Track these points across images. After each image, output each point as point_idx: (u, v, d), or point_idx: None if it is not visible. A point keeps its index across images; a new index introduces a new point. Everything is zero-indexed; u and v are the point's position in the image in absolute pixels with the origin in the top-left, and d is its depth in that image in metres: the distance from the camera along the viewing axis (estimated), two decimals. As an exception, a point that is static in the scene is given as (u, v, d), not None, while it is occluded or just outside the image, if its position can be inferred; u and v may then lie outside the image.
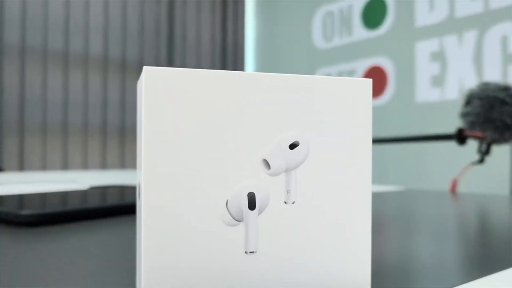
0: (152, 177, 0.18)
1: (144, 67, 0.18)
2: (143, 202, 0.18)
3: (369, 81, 0.21)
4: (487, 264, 0.28)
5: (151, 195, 0.18)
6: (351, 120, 0.20)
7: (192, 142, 0.18)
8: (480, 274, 0.25)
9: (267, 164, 0.19)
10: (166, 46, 2.70)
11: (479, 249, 0.32)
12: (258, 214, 0.19)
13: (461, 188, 1.80)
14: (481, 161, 0.90)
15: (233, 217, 0.19)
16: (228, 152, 0.19)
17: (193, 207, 0.18)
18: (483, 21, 1.92)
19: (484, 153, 0.89)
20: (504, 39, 1.86)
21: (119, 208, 0.48)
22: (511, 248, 0.32)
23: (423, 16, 2.12)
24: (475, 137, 0.89)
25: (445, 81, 2.04)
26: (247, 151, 0.19)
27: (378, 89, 2.30)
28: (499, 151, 1.63)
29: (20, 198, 0.52)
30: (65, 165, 2.38)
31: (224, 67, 2.92)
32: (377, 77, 2.30)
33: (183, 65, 2.73)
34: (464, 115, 0.89)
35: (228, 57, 2.95)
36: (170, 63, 2.69)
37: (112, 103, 2.51)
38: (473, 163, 0.92)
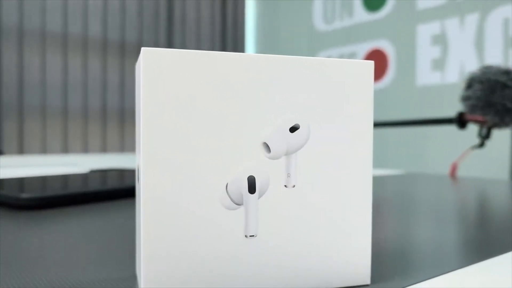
0: (151, 161, 0.18)
1: (142, 48, 0.17)
2: (142, 185, 0.18)
3: (371, 63, 0.20)
4: (486, 248, 0.28)
5: (150, 179, 0.18)
6: (352, 103, 0.20)
7: (191, 125, 0.18)
8: (479, 258, 0.25)
9: (267, 147, 0.19)
10: (165, 28, 2.68)
11: (479, 233, 0.32)
12: (258, 198, 0.19)
13: (461, 172, 1.81)
14: (481, 145, 0.90)
15: (233, 201, 0.19)
16: (227, 135, 0.18)
17: (192, 190, 0.18)
18: (485, 4, 1.90)
19: (485, 137, 0.89)
20: (506, 22, 1.84)
21: (119, 191, 0.48)
22: (511, 232, 0.32)
23: (425, -1, 2.10)
24: (476, 121, 0.89)
25: (446, 64, 2.03)
26: (247, 134, 0.19)
27: (378, 72, 2.28)
28: (499, 135, 1.63)
29: (20, 182, 0.52)
30: (65, 149, 2.38)
31: (224, 49, 2.90)
32: (378, 60, 2.29)
33: (182, 47, 2.71)
34: (464, 99, 0.88)
35: (228, 39, 2.92)
36: (169, 45, 2.67)
37: (112, 86, 2.50)
38: (473, 147, 0.92)
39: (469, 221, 0.37)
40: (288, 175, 0.19)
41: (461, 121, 0.92)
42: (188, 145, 0.18)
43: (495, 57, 1.87)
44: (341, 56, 2.46)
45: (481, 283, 0.21)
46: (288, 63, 0.19)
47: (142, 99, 0.17)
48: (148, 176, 0.18)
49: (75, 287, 0.20)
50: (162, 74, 0.18)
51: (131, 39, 2.55)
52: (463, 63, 1.97)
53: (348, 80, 0.20)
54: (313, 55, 2.59)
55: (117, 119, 2.53)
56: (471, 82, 0.87)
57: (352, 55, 2.42)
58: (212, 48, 2.84)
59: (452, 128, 1.79)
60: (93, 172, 0.66)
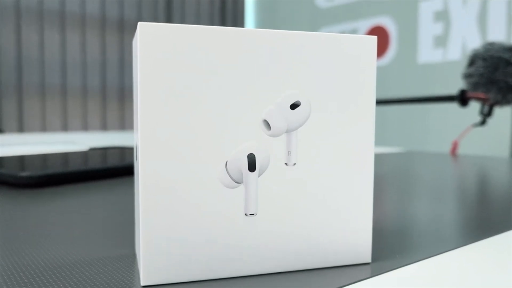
0: (149, 139, 0.17)
1: (139, 23, 0.17)
2: (140, 164, 0.17)
3: (374, 38, 0.20)
4: (486, 226, 0.28)
5: (148, 157, 0.17)
6: (354, 79, 0.20)
7: (189, 102, 0.18)
8: (479, 237, 0.25)
9: (267, 124, 0.19)
10: (164, 4, 2.64)
11: (479, 211, 0.32)
12: (258, 176, 0.19)
13: (462, 150, 1.81)
14: (483, 122, 0.90)
15: (232, 179, 0.18)
16: (227, 112, 0.18)
17: (191, 168, 0.18)
18: (489, -21, 1.87)
19: (486, 114, 0.89)
20: (510, -2, 1.81)
21: (119, 169, 0.48)
22: (511, 210, 0.32)
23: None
24: (478, 99, 0.88)
25: (448, 41, 2.01)
26: (247, 111, 0.18)
27: (380, 49, 2.26)
28: (500, 113, 1.62)
29: (20, 160, 0.51)
30: (64, 127, 2.37)
31: (223, 25, 2.86)
32: (379, 37, 2.26)
33: (182, 23, 2.67)
34: (467, 76, 0.87)
35: (227, 15, 2.89)
36: (168, 21, 2.64)
37: (111, 63, 2.48)
38: (474, 125, 0.92)
39: (470, 199, 0.37)
40: (289, 153, 0.19)
41: (462, 98, 0.92)
42: (186, 122, 0.18)
43: (498, 34, 1.85)
44: (343, 33, 2.43)
45: (481, 261, 0.21)
46: (289, 38, 0.19)
47: (139, 76, 0.17)
48: (146, 154, 0.17)
49: (75, 265, 0.20)
50: (159, 50, 0.17)
51: (130, 16, 2.52)
52: (465, 40, 1.95)
53: (350, 55, 0.19)
54: (314, 31, 2.55)
55: (117, 96, 2.51)
56: (474, 59, 0.86)
57: (353, 32, 2.39)
58: (211, 24, 2.80)
59: (454, 106, 1.79)
60: (93, 150, 0.66)
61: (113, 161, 0.51)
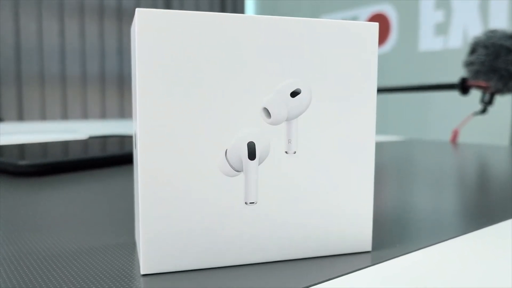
0: (148, 127, 0.17)
1: (137, 9, 0.17)
2: (139, 152, 0.17)
3: (376, 25, 0.19)
4: (486, 215, 0.28)
5: (146, 145, 0.17)
6: (355, 67, 0.19)
7: (189, 89, 0.17)
8: (479, 225, 0.25)
9: (267, 112, 0.18)
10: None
11: (479, 199, 0.32)
12: (258, 165, 0.18)
13: (462, 139, 1.81)
14: (484, 111, 0.89)
15: (232, 167, 0.18)
16: (227, 100, 0.18)
17: (190, 157, 0.18)
18: (491, -35, 1.85)
19: (487, 103, 0.88)
20: (512, -15, 1.80)
21: (118, 157, 0.48)
22: (511, 199, 0.32)
23: (430, -40, 2.04)
24: (479, 87, 0.87)
25: (449, 29, 1.99)
26: (247, 99, 0.18)
27: (380, 37, 2.25)
28: (500, 101, 1.62)
29: (20, 148, 0.51)
30: (64, 115, 2.37)
31: (223, 11, 2.84)
32: (380, 25, 2.25)
33: (181, 9, 2.65)
34: (468, 64, 0.87)
35: (227, 2, 2.87)
36: (167, 8, 2.62)
37: (110, 51, 2.47)
38: (475, 113, 0.91)
39: (470, 187, 0.36)
40: (289, 141, 0.19)
41: (463, 86, 0.91)
42: (185, 110, 0.17)
43: (500, 21, 1.84)
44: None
45: (481, 250, 0.21)
46: (289, 24, 0.18)
47: (137, 63, 0.17)
48: (145, 142, 0.17)
49: (75, 253, 0.20)
50: (158, 36, 0.17)
51: (128, 3, 2.50)
52: (467, 28, 1.94)
53: (351, 42, 0.19)
54: (314, 20, 2.54)
55: (116, 84, 2.51)
56: (475, 47, 0.86)
57: (354, 19, 2.37)
58: (211, 10, 2.79)
59: (454, 94, 1.78)
60: (92, 138, 0.66)
61: (112, 150, 0.51)
